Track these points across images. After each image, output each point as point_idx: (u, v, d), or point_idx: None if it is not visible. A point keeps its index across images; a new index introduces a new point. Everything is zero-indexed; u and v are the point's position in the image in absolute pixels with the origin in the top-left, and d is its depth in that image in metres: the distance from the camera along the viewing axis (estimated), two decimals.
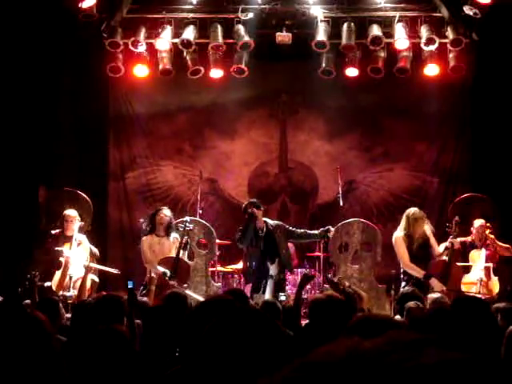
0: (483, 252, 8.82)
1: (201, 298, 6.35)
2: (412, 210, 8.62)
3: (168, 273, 8.09)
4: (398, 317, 5.65)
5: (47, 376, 2.35)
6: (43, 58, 10.47)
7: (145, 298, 6.70)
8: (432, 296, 6.41)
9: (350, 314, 3.37)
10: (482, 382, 0.68)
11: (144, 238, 8.62)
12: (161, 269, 8.15)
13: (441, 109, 11.35)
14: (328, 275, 8.89)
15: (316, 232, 8.95)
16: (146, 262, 8.50)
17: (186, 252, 8.68)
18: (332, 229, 8.90)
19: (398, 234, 8.58)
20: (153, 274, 8.11)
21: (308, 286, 9.71)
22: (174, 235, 8.54)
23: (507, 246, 8.86)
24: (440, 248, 8.64)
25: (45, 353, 2.41)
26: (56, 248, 8.58)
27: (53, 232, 8.81)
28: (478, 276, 8.67)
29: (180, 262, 8.32)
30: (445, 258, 8.50)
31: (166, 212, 8.61)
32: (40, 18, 10.15)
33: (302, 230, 9.04)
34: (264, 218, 8.83)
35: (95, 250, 9.01)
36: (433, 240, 8.61)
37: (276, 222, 9.04)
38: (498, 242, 8.85)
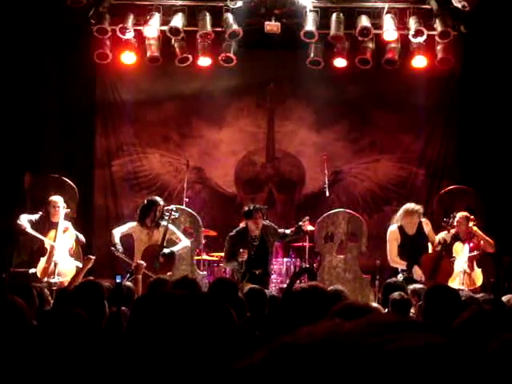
0: (467, 244, 8.84)
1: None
2: (407, 205, 8.61)
3: (117, 245, 8.24)
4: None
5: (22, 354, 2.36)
6: (30, 43, 10.38)
7: (128, 283, 6.65)
8: (415, 286, 6.44)
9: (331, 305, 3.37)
10: (459, 366, 0.69)
11: (135, 224, 8.58)
12: (117, 239, 8.26)
13: (428, 101, 11.37)
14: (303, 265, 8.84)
15: (291, 231, 8.71)
16: (113, 232, 8.50)
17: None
18: (302, 221, 8.62)
19: (392, 227, 8.59)
20: (138, 261, 8.06)
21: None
22: (163, 223, 8.53)
23: (491, 241, 8.81)
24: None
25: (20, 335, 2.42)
26: (35, 234, 8.54)
27: (37, 215, 8.75)
28: (462, 268, 8.69)
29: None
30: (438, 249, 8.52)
31: (162, 206, 8.58)
32: (27, 3, 10.06)
33: (287, 231, 8.73)
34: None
35: (81, 237, 8.97)
36: (432, 238, 8.60)
37: (266, 223, 8.63)
38: (484, 236, 8.81)
